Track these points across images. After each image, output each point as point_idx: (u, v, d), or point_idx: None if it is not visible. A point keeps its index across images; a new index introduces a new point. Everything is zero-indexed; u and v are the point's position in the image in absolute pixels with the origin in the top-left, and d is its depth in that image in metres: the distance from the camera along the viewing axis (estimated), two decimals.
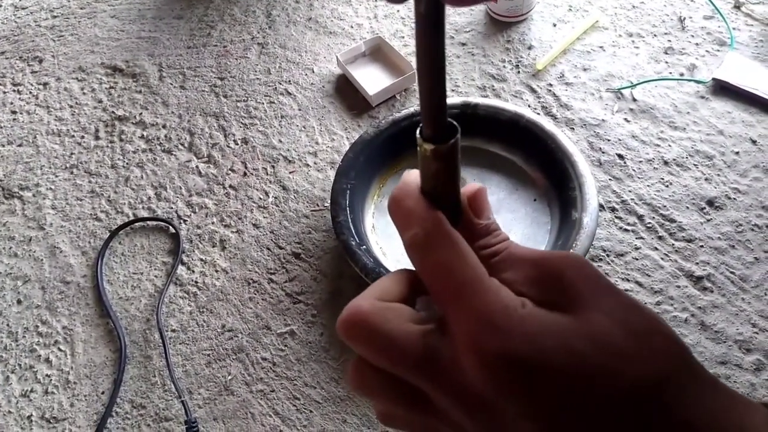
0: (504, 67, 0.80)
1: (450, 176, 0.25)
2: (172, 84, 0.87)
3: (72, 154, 0.81)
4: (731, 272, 0.62)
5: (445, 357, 0.23)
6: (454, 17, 0.87)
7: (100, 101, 0.86)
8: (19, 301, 0.70)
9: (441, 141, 0.24)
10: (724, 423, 0.22)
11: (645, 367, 0.22)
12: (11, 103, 0.89)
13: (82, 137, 0.83)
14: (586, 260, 0.24)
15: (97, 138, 0.82)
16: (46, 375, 0.64)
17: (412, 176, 0.27)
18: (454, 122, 0.24)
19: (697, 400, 0.22)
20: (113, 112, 0.85)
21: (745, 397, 0.23)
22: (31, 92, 0.90)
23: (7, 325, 0.68)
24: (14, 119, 0.87)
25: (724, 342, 0.58)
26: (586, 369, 0.21)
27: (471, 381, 0.22)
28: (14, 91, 0.90)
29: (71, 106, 0.87)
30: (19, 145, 0.84)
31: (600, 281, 0.24)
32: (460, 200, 0.27)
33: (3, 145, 0.84)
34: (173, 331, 0.65)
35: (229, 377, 0.62)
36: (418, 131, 0.25)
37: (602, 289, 0.23)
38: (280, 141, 0.78)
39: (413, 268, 0.26)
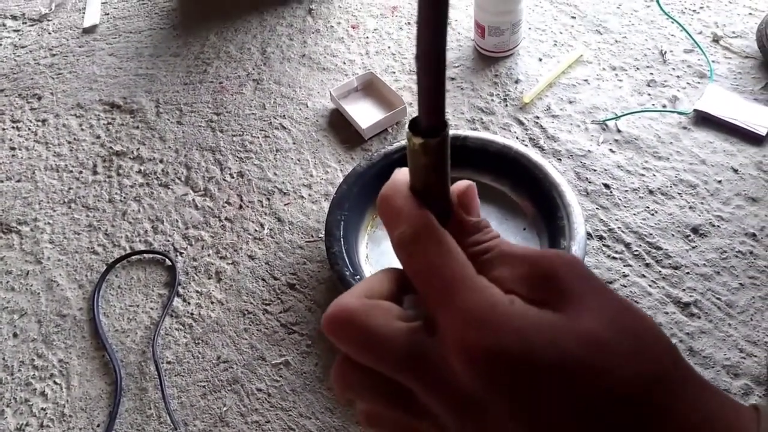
0: (492, 100, 0.83)
1: (439, 173, 0.25)
2: (169, 119, 0.89)
3: (70, 188, 0.83)
4: (717, 298, 0.63)
5: (433, 355, 0.23)
6: None
7: (98, 137, 0.88)
8: (15, 335, 0.70)
9: (431, 135, 0.24)
10: (714, 424, 0.22)
11: (635, 367, 0.21)
12: (10, 140, 0.90)
13: (80, 172, 0.84)
14: (578, 259, 0.24)
15: (95, 173, 0.84)
16: (42, 408, 0.64)
17: (402, 174, 0.26)
18: (445, 119, 0.24)
19: (686, 401, 0.22)
20: (111, 147, 0.86)
21: (734, 399, 0.23)
22: (29, 129, 0.91)
23: (3, 358, 0.68)
24: (13, 155, 0.88)
25: (713, 367, 0.59)
26: (574, 367, 0.21)
27: (459, 379, 0.22)
28: (13, 127, 0.92)
29: (69, 142, 0.88)
30: (18, 181, 0.85)
31: (591, 280, 0.23)
32: (450, 197, 0.26)
33: (2, 181, 0.85)
34: (169, 363, 0.66)
35: (225, 408, 0.62)
36: (407, 125, 0.24)
37: (593, 288, 0.23)
38: (275, 174, 0.80)
39: (401, 267, 0.26)
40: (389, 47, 0.92)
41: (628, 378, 0.21)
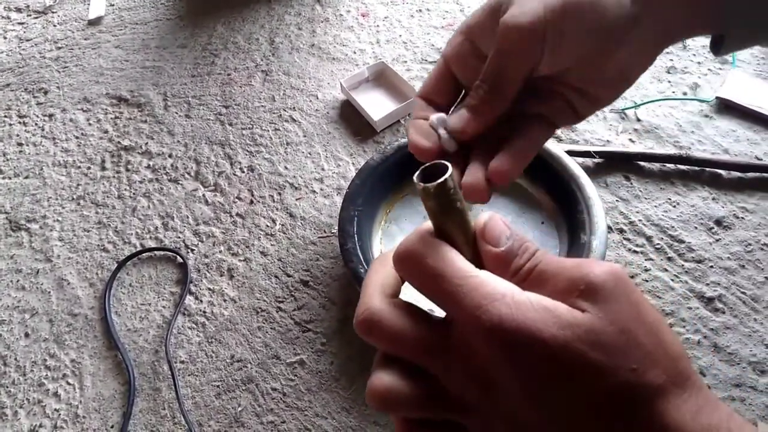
0: None
1: (446, 213, 0.26)
2: (177, 113, 0.87)
3: (78, 185, 0.82)
4: (742, 292, 0.62)
5: (454, 339, 0.25)
6: None
7: (106, 132, 0.87)
8: (26, 335, 0.69)
9: (432, 179, 0.26)
10: None
11: (640, 375, 0.22)
12: (17, 135, 0.89)
13: (89, 168, 0.83)
14: (623, 273, 0.24)
15: (103, 168, 0.83)
16: (55, 409, 0.64)
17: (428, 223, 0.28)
18: (447, 163, 0.26)
19: (689, 412, 0.23)
20: (119, 142, 0.85)
21: (740, 416, 0.24)
22: (36, 124, 0.90)
23: (15, 359, 0.68)
24: (20, 151, 0.87)
25: (738, 364, 0.58)
26: (576, 359, 0.22)
27: (477, 357, 0.24)
28: (20, 123, 0.91)
29: (77, 137, 0.87)
30: (26, 177, 0.84)
31: (628, 293, 0.24)
32: (473, 235, 0.27)
33: (10, 178, 0.84)
34: (182, 362, 0.65)
35: (239, 408, 0.61)
36: (415, 174, 0.26)
37: (627, 299, 0.24)
38: (286, 168, 0.78)
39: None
40: (400, 35, 0.90)
41: (631, 384, 0.22)
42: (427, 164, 0.26)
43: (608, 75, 0.38)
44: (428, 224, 0.27)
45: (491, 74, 0.36)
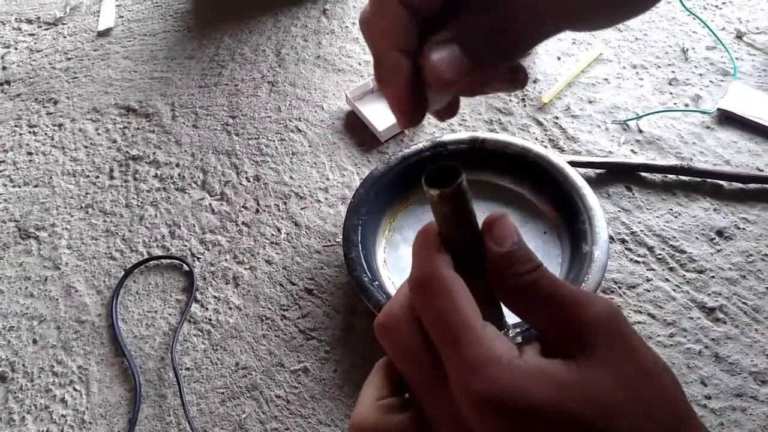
0: (510, 100, 0.82)
1: (460, 218, 0.26)
2: (184, 123, 0.88)
3: (87, 194, 0.83)
4: (743, 303, 0.62)
5: (446, 403, 0.25)
6: None
7: (115, 141, 0.88)
8: (34, 341, 0.70)
9: (445, 185, 0.24)
10: None
11: (640, 428, 0.22)
12: (27, 145, 0.91)
13: (97, 177, 0.84)
14: (617, 312, 0.24)
15: (111, 178, 0.84)
16: (62, 415, 0.65)
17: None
18: (458, 165, 0.25)
19: None
20: (127, 151, 0.86)
21: None
22: (46, 133, 0.92)
23: (23, 365, 0.69)
24: (30, 160, 0.88)
25: (739, 374, 0.58)
26: (574, 423, 0.21)
27: (467, 421, 0.23)
28: (30, 132, 0.92)
29: (86, 147, 0.88)
30: (35, 186, 0.85)
31: (623, 336, 0.23)
32: (480, 239, 0.26)
33: (19, 186, 0.86)
34: (187, 369, 0.66)
35: (244, 416, 0.62)
36: (423, 179, 0.25)
37: (622, 345, 0.23)
38: (292, 177, 0.79)
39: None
40: None
41: None
42: (431, 168, 0.25)
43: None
44: (434, 236, 0.26)
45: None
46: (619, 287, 0.64)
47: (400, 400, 0.27)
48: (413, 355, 0.25)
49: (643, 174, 0.72)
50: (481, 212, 0.25)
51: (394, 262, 0.68)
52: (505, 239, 0.26)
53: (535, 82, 0.83)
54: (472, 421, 0.23)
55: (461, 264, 0.26)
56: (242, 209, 0.77)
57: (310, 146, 0.82)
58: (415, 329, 0.26)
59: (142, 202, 0.80)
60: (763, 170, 0.70)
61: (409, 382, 0.27)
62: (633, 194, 0.71)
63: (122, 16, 1.07)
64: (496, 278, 0.25)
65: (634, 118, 0.77)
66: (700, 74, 0.80)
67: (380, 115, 0.82)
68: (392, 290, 0.65)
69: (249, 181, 0.80)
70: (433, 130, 0.80)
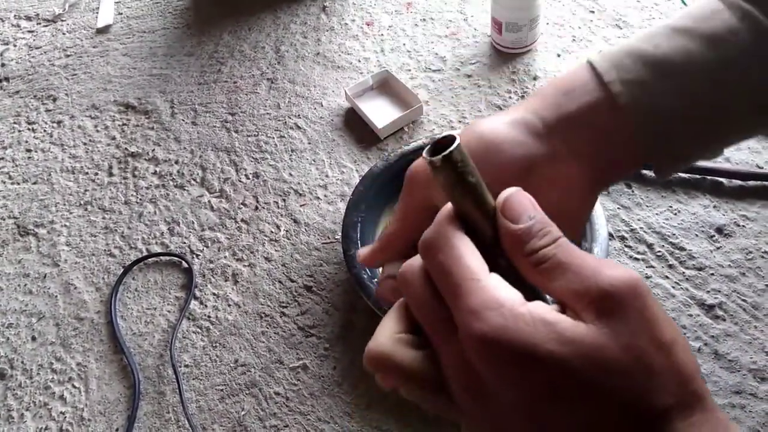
0: (510, 98, 0.82)
1: (464, 187, 0.26)
2: (183, 120, 0.88)
3: (86, 191, 0.83)
4: (743, 300, 0.62)
5: (450, 354, 0.26)
6: (459, 50, 0.89)
7: (114, 138, 0.88)
8: (33, 338, 0.70)
9: (442, 151, 0.25)
10: None
11: (642, 398, 0.22)
12: (26, 142, 0.90)
13: (96, 174, 0.84)
14: (640, 284, 0.23)
15: (110, 175, 0.84)
16: (61, 412, 0.65)
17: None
18: (455, 134, 0.25)
19: None
20: (126, 148, 0.86)
21: None
22: (45, 130, 0.91)
23: (22, 362, 0.69)
24: (29, 157, 0.88)
25: (738, 371, 0.58)
26: (575, 380, 0.22)
27: (473, 367, 0.24)
28: (29, 129, 0.92)
29: (85, 144, 0.88)
30: (34, 183, 0.85)
31: (642, 309, 0.23)
32: (492, 208, 0.27)
33: (18, 183, 0.85)
34: (186, 366, 0.65)
35: (243, 413, 0.62)
36: (425, 152, 0.26)
37: (640, 316, 0.23)
38: (291, 174, 0.79)
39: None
40: (404, 44, 0.91)
41: (634, 408, 0.21)
42: (438, 139, 0.25)
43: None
44: (449, 207, 0.27)
45: (397, 210, 0.40)
46: None
47: (416, 339, 0.28)
48: (425, 305, 0.26)
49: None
50: None
51: None
52: (520, 215, 0.26)
53: (535, 79, 0.83)
54: (476, 364, 0.23)
55: (481, 241, 0.26)
56: (241, 206, 0.77)
57: (309, 143, 0.82)
58: (425, 282, 0.27)
59: (141, 199, 0.80)
60: (762, 167, 0.70)
61: (424, 330, 0.27)
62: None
63: (121, 13, 1.07)
64: (514, 255, 0.26)
65: None
66: None
67: (379, 113, 0.82)
68: None
69: (248, 178, 0.80)
70: (433, 128, 0.80)
